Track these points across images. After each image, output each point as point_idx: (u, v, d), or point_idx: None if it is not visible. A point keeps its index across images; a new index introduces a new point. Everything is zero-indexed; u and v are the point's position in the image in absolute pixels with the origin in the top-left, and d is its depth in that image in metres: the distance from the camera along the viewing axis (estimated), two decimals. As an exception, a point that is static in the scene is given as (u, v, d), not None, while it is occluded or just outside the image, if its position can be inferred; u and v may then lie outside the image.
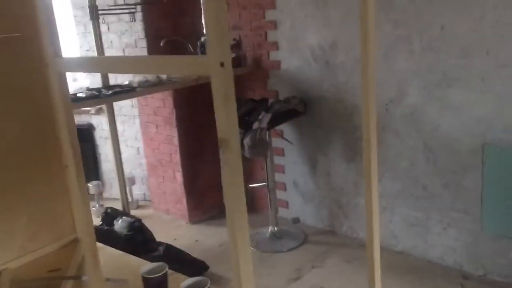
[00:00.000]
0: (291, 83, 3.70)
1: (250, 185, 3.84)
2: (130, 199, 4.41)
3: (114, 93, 3.30)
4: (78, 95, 3.17)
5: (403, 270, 3.14)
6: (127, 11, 3.96)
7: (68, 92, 1.08)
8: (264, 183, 3.75)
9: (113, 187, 4.61)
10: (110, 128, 3.82)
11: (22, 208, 1.87)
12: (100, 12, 3.68)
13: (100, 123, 4.74)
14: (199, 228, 4.01)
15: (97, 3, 3.66)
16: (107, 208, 3.54)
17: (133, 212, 4.13)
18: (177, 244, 3.47)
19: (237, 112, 2.85)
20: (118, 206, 3.86)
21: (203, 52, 3.82)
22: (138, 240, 3.20)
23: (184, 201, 4.09)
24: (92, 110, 4.63)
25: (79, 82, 4.55)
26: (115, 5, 3.96)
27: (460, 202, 2.98)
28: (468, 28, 2.74)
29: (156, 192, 4.39)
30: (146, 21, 4.04)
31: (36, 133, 1.86)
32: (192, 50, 3.96)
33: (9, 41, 1.77)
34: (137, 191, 4.66)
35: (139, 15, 4.03)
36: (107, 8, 3.90)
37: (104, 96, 3.25)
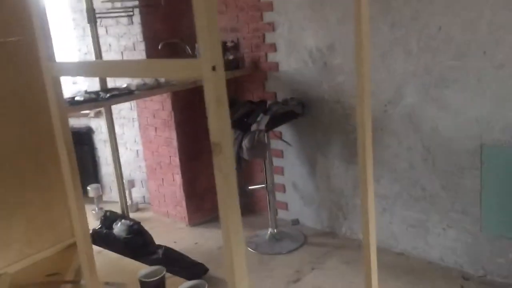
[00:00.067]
0: (289, 84, 3.70)
1: (250, 187, 3.84)
2: (129, 202, 4.41)
3: (112, 96, 3.30)
4: (76, 98, 3.18)
5: (403, 271, 3.14)
6: (125, 14, 3.96)
7: (63, 96, 1.08)
8: (263, 185, 3.75)
9: (113, 190, 4.61)
10: (108, 131, 3.82)
11: (20, 213, 1.87)
12: (97, 15, 3.69)
13: (99, 126, 4.74)
14: (199, 230, 4.01)
15: (95, 6, 3.66)
16: (106, 211, 3.53)
17: (132, 215, 4.13)
18: (176, 246, 3.46)
19: (236, 114, 2.87)
20: (118, 209, 3.86)
21: (201, 55, 3.81)
22: (137, 243, 3.20)
23: (184, 203, 4.09)
24: (91, 113, 4.63)
25: (78, 85, 4.55)
26: (113, 8, 3.96)
27: (459, 203, 2.98)
28: (465, 29, 2.74)
29: (156, 194, 4.39)
30: (144, 24, 4.05)
31: (34, 139, 1.87)
32: (190, 53, 3.97)
33: (6, 45, 1.78)
34: (136, 194, 4.67)
35: (137, 18, 4.04)
36: (105, 11, 3.90)
37: (102, 100, 3.25)
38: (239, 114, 3.48)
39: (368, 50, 1.15)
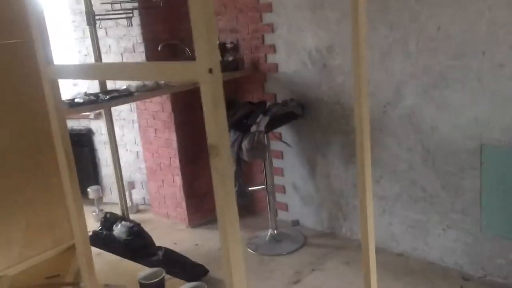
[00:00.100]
0: (288, 85, 3.70)
1: (250, 188, 3.84)
2: (130, 204, 4.42)
3: (112, 98, 3.30)
4: (76, 100, 3.18)
5: (404, 272, 3.14)
6: (124, 16, 3.97)
7: (61, 99, 1.08)
8: (263, 186, 3.75)
9: (113, 191, 4.61)
10: (108, 133, 3.82)
11: (20, 215, 1.87)
12: (97, 17, 3.69)
13: (99, 127, 4.74)
14: (199, 232, 4.01)
15: (94, 8, 3.66)
16: (106, 213, 3.53)
17: (133, 217, 4.13)
18: (177, 248, 3.47)
19: (235, 115, 2.87)
20: (118, 210, 3.86)
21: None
22: (137, 245, 3.20)
23: (184, 205, 4.09)
24: (91, 115, 4.64)
25: (79, 86, 4.55)
26: (112, 10, 3.97)
27: (459, 203, 2.98)
28: (464, 29, 2.74)
29: (156, 196, 4.39)
30: (144, 25, 4.05)
31: (33, 140, 1.87)
32: (189, 54, 3.97)
33: (7, 47, 1.78)
34: (137, 195, 4.67)
35: (136, 20, 4.04)
36: (104, 13, 3.91)
37: (102, 101, 3.25)
38: (239, 115, 3.49)
39: (365, 51, 1.15)
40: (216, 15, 3.99)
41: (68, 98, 3.28)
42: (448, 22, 2.79)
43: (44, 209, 1.93)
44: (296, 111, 3.53)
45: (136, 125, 4.43)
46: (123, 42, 4.21)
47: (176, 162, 4.04)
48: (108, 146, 4.03)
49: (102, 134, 4.70)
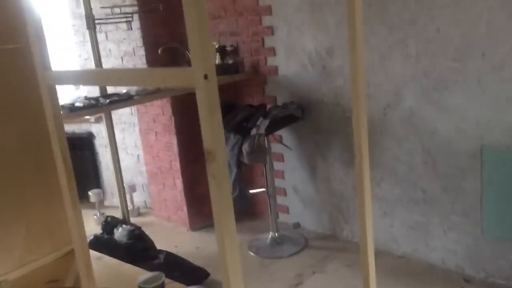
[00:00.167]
0: (288, 88, 3.70)
1: (250, 191, 3.83)
2: (131, 207, 4.42)
3: (112, 102, 3.31)
4: (76, 104, 3.19)
5: (405, 274, 3.13)
6: (124, 19, 3.98)
7: (59, 105, 1.09)
8: (264, 189, 3.75)
9: (114, 195, 4.62)
10: (108, 136, 3.83)
11: (20, 220, 1.88)
12: (97, 21, 3.70)
13: (100, 131, 4.75)
14: (200, 235, 4.01)
15: (94, 12, 3.67)
16: (107, 216, 3.54)
17: (134, 220, 4.13)
18: (178, 251, 3.47)
19: (235, 118, 2.86)
20: (119, 214, 3.87)
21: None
22: (138, 248, 3.20)
23: (185, 208, 4.09)
24: (92, 118, 4.64)
25: (80, 90, 4.56)
26: (112, 14, 3.98)
27: (460, 205, 2.98)
28: (464, 31, 2.74)
29: (157, 199, 4.40)
30: (144, 29, 4.06)
31: (32, 146, 1.87)
32: (189, 57, 3.97)
33: (6, 52, 1.78)
34: (138, 199, 4.67)
35: (136, 24, 4.05)
36: (104, 17, 3.92)
37: (102, 105, 3.26)
38: (239, 118, 3.49)
39: (362, 54, 1.15)
40: (216, 18, 4.00)
41: (68, 102, 3.29)
42: (448, 24, 2.79)
43: (44, 214, 1.93)
44: (296, 114, 3.53)
45: (136, 128, 4.44)
46: (123, 45, 4.22)
47: (176, 165, 4.04)
48: (109, 150, 4.04)
49: (103, 138, 4.71)
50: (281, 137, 3.82)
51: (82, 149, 4.79)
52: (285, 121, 3.56)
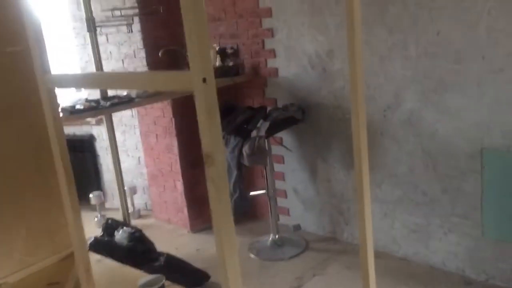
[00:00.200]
0: (289, 90, 3.70)
1: (251, 193, 3.83)
2: (132, 209, 4.42)
3: (112, 104, 3.31)
4: (77, 107, 3.19)
5: (405, 276, 3.13)
6: (124, 22, 3.98)
7: (58, 108, 1.09)
8: (264, 191, 3.75)
9: (115, 197, 4.62)
10: (109, 138, 3.83)
11: (20, 222, 1.88)
12: (97, 24, 3.71)
13: (100, 133, 4.76)
14: (201, 237, 4.01)
15: (94, 15, 3.68)
16: (108, 219, 3.54)
17: (135, 222, 4.14)
18: (178, 253, 3.46)
19: (236, 120, 2.86)
20: (120, 216, 3.87)
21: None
22: (138, 251, 3.20)
23: (185, 210, 4.09)
24: (93, 120, 4.65)
25: (81, 92, 4.57)
26: (112, 17, 3.99)
27: (460, 207, 2.97)
28: (464, 33, 2.74)
29: (157, 201, 4.40)
30: (144, 31, 4.06)
31: (32, 149, 1.88)
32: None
33: (6, 55, 1.79)
34: (138, 201, 4.67)
35: (137, 26, 4.05)
36: (104, 20, 3.93)
37: (102, 108, 3.26)
38: (239, 120, 3.49)
39: (361, 57, 1.15)
40: (216, 20, 4.00)
41: (69, 104, 3.29)
42: (448, 26, 2.79)
43: (45, 217, 1.93)
44: (297, 116, 3.53)
45: (137, 130, 4.44)
46: (124, 48, 4.23)
47: (177, 167, 4.04)
48: (109, 152, 4.04)
49: (103, 140, 4.72)
50: (281, 139, 3.82)
51: (83, 151, 4.79)
52: (286, 123, 3.56)
